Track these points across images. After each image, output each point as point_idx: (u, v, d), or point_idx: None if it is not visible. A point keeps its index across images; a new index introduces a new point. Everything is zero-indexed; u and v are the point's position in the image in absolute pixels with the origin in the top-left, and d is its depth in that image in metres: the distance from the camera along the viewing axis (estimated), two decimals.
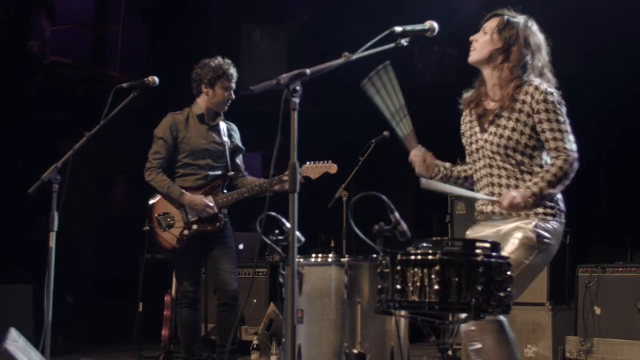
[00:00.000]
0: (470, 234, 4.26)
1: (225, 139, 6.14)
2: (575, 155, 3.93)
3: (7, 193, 8.25)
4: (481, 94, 4.19)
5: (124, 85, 4.90)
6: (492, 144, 4.06)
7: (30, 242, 8.46)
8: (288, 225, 3.92)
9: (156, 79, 5.02)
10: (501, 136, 4.01)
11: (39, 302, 4.88)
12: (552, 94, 3.96)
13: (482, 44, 4.12)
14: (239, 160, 6.24)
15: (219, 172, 6.07)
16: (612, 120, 7.68)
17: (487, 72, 4.15)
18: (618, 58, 7.62)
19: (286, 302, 4.31)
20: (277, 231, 4.48)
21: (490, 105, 4.13)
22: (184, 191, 5.96)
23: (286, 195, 3.38)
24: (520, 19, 4.14)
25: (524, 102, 3.97)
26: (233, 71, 6.08)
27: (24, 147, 8.88)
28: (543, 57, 4.13)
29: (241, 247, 8.40)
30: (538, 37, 4.14)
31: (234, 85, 6.09)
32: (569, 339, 6.41)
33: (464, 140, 4.33)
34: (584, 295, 6.38)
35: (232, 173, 6.09)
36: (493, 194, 4.07)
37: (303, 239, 4.33)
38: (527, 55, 4.07)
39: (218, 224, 5.99)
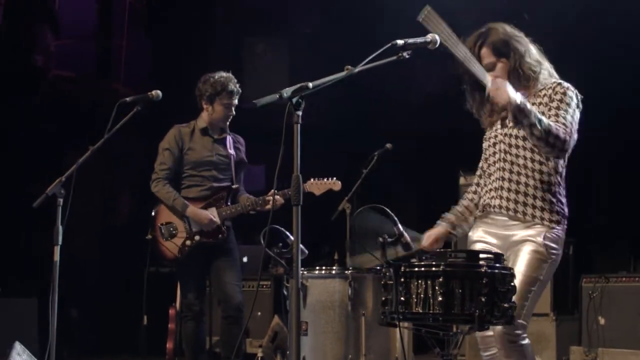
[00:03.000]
0: (472, 235, 4.22)
1: (231, 151, 6.14)
2: (568, 138, 3.86)
3: (13, 206, 8.27)
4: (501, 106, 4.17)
5: (127, 99, 4.90)
6: (510, 136, 4.04)
7: (29, 253, 8.48)
8: (291, 237, 3.94)
9: (159, 93, 5.01)
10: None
11: (44, 315, 4.90)
12: (572, 91, 3.99)
13: (503, 75, 4.06)
14: (241, 174, 6.26)
15: (223, 184, 6.08)
16: (615, 129, 7.68)
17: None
18: (621, 68, 7.63)
19: (290, 314, 4.33)
20: (280, 244, 4.52)
21: None
22: (188, 204, 5.97)
23: (289, 208, 3.39)
24: (496, 29, 4.13)
25: (544, 95, 3.99)
26: (233, 87, 6.02)
27: (29, 160, 8.91)
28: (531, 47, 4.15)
29: (245, 259, 8.40)
30: (514, 30, 4.16)
31: (234, 102, 6.05)
32: (572, 349, 6.41)
33: (484, 144, 4.28)
34: (588, 305, 6.38)
35: (236, 185, 6.11)
36: (502, 188, 4.04)
37: (306, 251, 4.36)
38: (527, 50, 4.09)
39: (220, 236, 5.98)
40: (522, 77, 4.07)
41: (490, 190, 4.13)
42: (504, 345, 3.86)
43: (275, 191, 5.71)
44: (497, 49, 4.08)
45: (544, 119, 3.82)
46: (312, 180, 5.90)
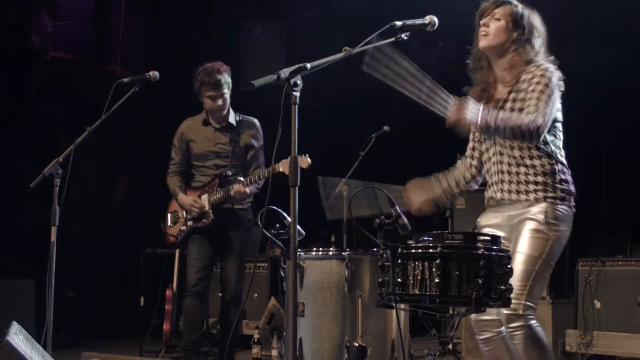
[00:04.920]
0: (481, 221, 4.23)
1: (234, 137, 6.16)
2: (539, 125, 3.83)
3: (9, 188, 8.26)
4: (489, 85, 4.16)
5: (125, 79, 4.91)
6: None
7: (27, 233, 8.46)
8: (289, 219, 3.93)
9: (157, 74, 5.03)
10: None
11: (41, 296, 4.90)
12: (552, 72, 3.95)
13: (495, 30, 4.06)
14: (249, 156, 6.23)
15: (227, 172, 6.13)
16: (613, 114, 7.67)
17: (496, 58, 4.13)
18: (621, 55, 7.61)
19: (287, 295, 4.33)
20: (277, 225, 4.51)
21: (500, 91, 4.12)
22: (178, 192, 6.19)
23: (287, 190, 3.40)
24: (527, 10, 4.13)
25: (524, 81, 3.98)
26: (214, 79, 6.00)
27: (25, 141, 8.89)
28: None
29: None
30: (544, 31, 4.16)
31: (220, 92, 6.03)
32: (568, 332, 6.42)
33: (471, 135, 4.32)
34: (584, 289, 6.38)
35: (230, 172, 6.10)
36: (502, 181, 4.05)
37: (303, 233, 4.36)
38: (541, 46, 4.09)
39: (204, 220, 6.09)
40: (509, 58, 4.07)
41: (492, 184, 4.14)
42: (507, 326, 3.86)
43: (271, 170, 5.77)
44: (518, 20, 4.07)
45: (507, 117, 3.83)
46: (283, 160, 5.80)
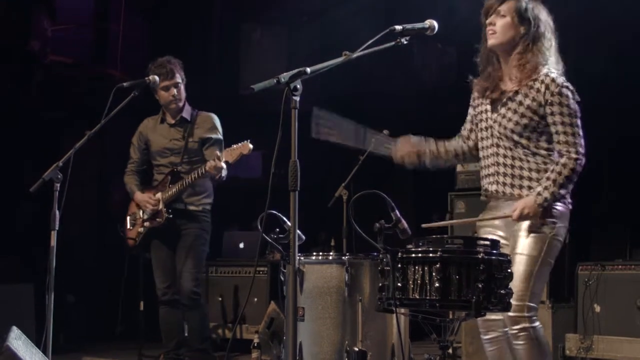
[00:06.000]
0: (479, 222, 4.28)
1: (188, 132, 6.16)
2: (583, 151, 3.95)
3: (9, 191, 8.26)
4: (496, 79, 4.16)
5: (125, 84, 4.93)
6: (499, 125, 4.07)
7: (26, 238, 8.45)
8: (289, 223, 3.93)
9: (157, 78, 5.09)
10: (509, 119, 4.02)
11: (41, 300, 4.89)
12: (567, 87, 3.97)
13: (502, 27, 4.08)
14: (209, 151, 6.12)
15: (177, 168, 6.13)
16: (613, 118, 7.67)
17: (505, 55, 4.14)
18: (622, 55, 7.61)
19: (287, 300, 4.32)
20: (277, 229, 4.50)
21: (507, 85, 4.12)
22: (135, 190, 6.20)
23: (287, 194, 3.39)
24: (531, 3, 4.13)
25: (538, 91, 3.97)
26: (166, 68, 6.03)
27: (25, 145, 8.88)
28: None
29: (241, 245, 8.41)
30: (550, 21, 4.17)
31: (175, 80, 6.08)
32: (568, 336, 6.42)
33: (470, 110, 4.33)
34: (584, 293, 6.38)
35: (180, 167, 6.10)
36: (497, 173, 4.08)
37: (303, 237, 4.35)
38: (550, 39, 4.09)
39: (158, 219, 6.08)
40: (519, 55, 4.07)
41: (488, 175, 4.16)
42: (512, 328, 3.88)
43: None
44: (523, 14, 4.07)
45: (561, 177, 3.89)
46: (226, 149, 5.83)
